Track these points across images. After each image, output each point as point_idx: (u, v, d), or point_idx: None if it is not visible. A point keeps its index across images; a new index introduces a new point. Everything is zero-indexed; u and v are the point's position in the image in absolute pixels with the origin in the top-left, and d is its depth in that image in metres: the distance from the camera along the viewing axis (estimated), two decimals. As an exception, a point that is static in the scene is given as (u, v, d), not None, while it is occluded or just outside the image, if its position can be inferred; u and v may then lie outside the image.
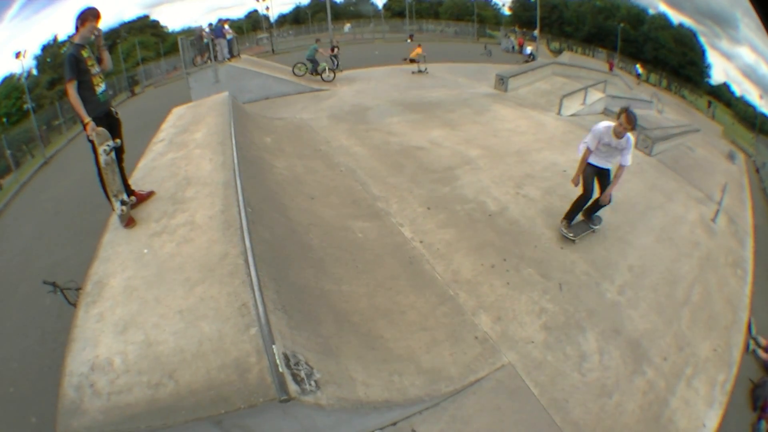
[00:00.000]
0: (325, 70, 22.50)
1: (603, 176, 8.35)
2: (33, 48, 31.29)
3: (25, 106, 28.53)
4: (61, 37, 32.43)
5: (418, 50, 25.72)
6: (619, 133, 7.71)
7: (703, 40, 34.59)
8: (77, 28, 5.85)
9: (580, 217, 8.81)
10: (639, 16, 37.77)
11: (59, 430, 3.84)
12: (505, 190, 9.92)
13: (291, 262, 6.00)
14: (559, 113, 17.44)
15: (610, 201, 8.38)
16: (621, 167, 7.95)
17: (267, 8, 48.27)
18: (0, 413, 7.84)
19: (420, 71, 25.14)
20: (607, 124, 7.93)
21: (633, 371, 6.19)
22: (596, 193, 8.38)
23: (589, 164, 8.25)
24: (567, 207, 8.50)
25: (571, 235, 8.45)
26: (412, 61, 25.60)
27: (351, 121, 15.07)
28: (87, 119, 5.69)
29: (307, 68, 22.61)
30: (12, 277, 12.74)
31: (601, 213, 8.77)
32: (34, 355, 9.11)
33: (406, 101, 17.97)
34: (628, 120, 7.56)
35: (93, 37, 5.94)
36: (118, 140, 6.10)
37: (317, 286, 5.89)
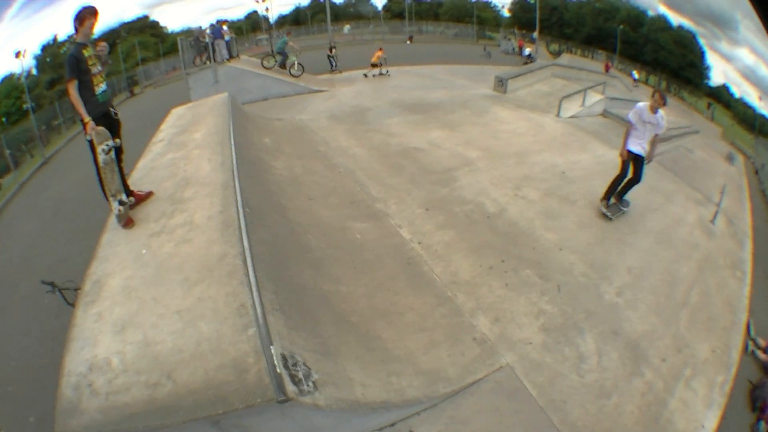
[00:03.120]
0: (293, 64, 22.09)
1: (638, 162, 9.49)
2: (33, 47, 31.29)
3: (24, 106, 28.52)
4: (61, 37, 32.44)
5: (379, 53, 25.53)
6: (654, 109, 9.01)
7: (702, 41, 34.59)
8: (77, 29, 5.86)
9: (612, 200, 9.80)
10: (639, 18, 37.74)
11: (57, 429, 3.84)
12: (504, 192, 9.92)
13: (290, 262, 5.99)
14: (558, 115, 17.41)
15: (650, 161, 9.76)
16: (656, 136, 9.32)
17: (266, 9, 48.22)
18: (-2, 413, 7.84)
19: (382, 74, 24.95)
20: (644, 103, 9.25)
21: (631, 373, 6.18)
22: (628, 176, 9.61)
23: (629, 151, 9.39)
24: (566, 209, 8.54)
25: (609, 213, 9.56)
26: (374, 65, 25.33)
27: (350, 122, 15.07)
28: (87, 118, 5.71)
29: (276, 61, 22.39)
30: (11, 276, 12.72)
31: (599, 214, 8.77)
32: (33, 354, 9.10)
33: (405, 102, 17.97)
34: (660, 97, 8.99)
35: (99, 51, 5.98)
36: (117, 140, 6.11)
37: (316, 287, 5.89)
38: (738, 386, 6.90)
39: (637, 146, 9.31)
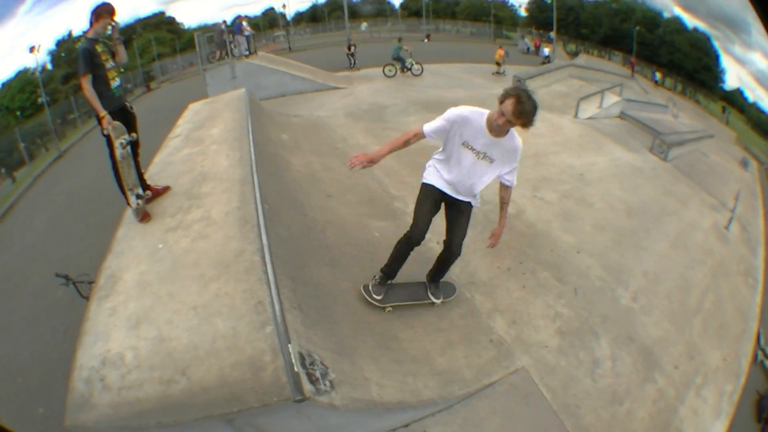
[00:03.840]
0: (412, 65, 23.07)
1: (457, 213, 5.42)
2: (47, 43, 31.49)
3: (39, 100, 28.73)
4: (76, 33, 32.58)
5: (501, 51, 26.19)
6: (498, 127, 4.76)
7: (717, 44, 34.37)
8: (91, 23, 5.90)
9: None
10: (654, 20, 37.52)
11: (67, 423, 3.82)
12: (521, 193, 9.79)
13: (307, 260, 5.96)
14: (575, 116, 17.37)
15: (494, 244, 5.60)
16: (506, 188, 5.36)
17: (284, 6, 48.27)
18: (7, 403, 7.84)
19: (499, 73, 25.47)
20: (477, 110, 4.94)
21: (644, 379, 6.14)
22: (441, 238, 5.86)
23: (429, 186, 5.29)
24: (583, 211, 8.41)
25: (378, 298, 5.77)
26: (498, 63, 26.05)
27: (368, 119, 15.04)
28: (103, 113, 5.72)
29: (396, 68, 22.88)
30: (23, 269, 12.79)
31: (616, 217, 8.67)
32: (43, 346, 9.12)
33: (423, 100, 17.90)
34: (517, 109, 4.55)
35: (109, 30, 5.96)
36: (134, 134, 6.12)
37: (333, 285, 5.86)
38: (745, 396, 6.89)
39: (459, 180, 5.17)
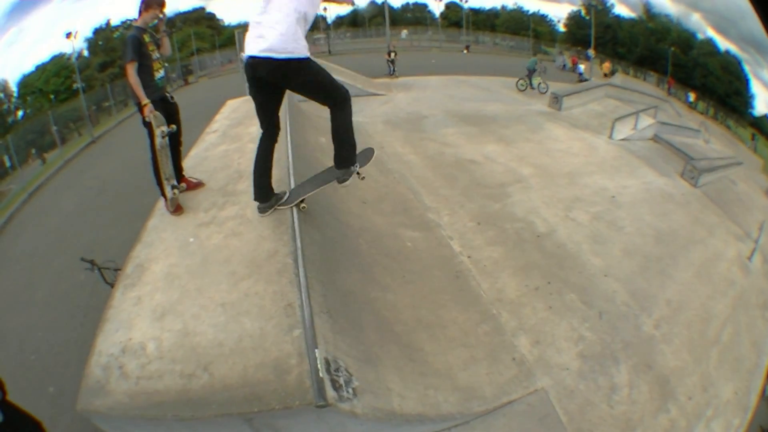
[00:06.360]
0: (539, 83, 22.91)
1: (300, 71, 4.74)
2: (84, 30, 31.77)
3: (74, 86, 29.06)
4: (114, 22, 32.95)
5: (608, 65, 26.49)
6: None
7: (747, 68, 33.88)
8: (140, 13, 6.00)
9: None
10: (688, 41, 37.17)
11: (80, 407, 3.85)
12: (554, 212, 9.81)
13: (339, 265, 5.95)
14: (610, 137, 17.23)
15: None
16: None
17: (324, 9, 48.39)
18: (18, 379, 7.90)
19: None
20: None
21: (658, 408, 6.08)
22: None
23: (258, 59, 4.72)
24: (613, 235, 8.39)
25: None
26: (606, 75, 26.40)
27: (406, 128, 15.00)
28: (146, 101, 5.78)
29: (527, 83, 23.10)
30: (48, 249, 12.99)
31: (645, 243, 8.63)
32: (61, 327, 9.23)
33: (461, 113, 17.81)
34: None
35: (156, 21, 6.04)
36: (173, 126, 6.18)
37: (363, 293, 5.84)
38: (750, 430, 6.84)
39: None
